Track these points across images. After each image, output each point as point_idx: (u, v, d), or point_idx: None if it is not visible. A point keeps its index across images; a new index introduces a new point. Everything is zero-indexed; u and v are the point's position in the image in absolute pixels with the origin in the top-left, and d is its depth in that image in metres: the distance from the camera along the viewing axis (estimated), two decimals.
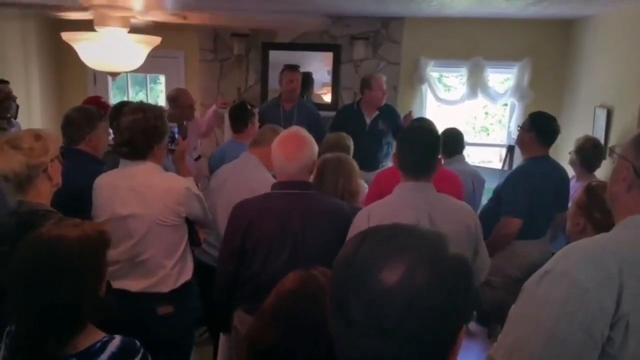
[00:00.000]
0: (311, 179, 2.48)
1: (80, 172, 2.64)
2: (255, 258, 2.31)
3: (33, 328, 1.42)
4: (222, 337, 2.80)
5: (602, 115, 4.33)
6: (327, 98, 5.69)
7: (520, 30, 5.27)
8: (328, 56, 5.59)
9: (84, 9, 3.59)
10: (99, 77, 5.88)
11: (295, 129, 2.45)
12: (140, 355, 1.52)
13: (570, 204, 2.75)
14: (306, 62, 5.47)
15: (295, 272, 1.42)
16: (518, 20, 5.15)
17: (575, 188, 3.39)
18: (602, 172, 3.76)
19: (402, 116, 4.98)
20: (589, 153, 3.59)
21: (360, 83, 4.79)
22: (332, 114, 5.16)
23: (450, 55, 5.44)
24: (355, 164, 2.86)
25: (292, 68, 4.77)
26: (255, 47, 5.65)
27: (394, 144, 4.37)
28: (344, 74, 5.61)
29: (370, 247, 0.85)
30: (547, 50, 5.33)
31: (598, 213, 2.01)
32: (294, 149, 2.31)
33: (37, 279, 1.42)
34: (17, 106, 4.19)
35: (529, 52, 5.28)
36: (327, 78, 5.66)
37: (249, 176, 2.91)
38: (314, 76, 5.62)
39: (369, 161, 4.44)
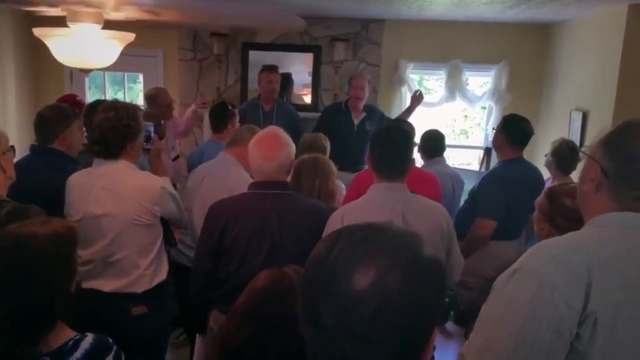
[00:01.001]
0: (288, 179, 2.48)
1: (53, 171, 2.61)
2: (232, 258, 2.29)
3: (4, 328, 1.40)
4: (199, 339, 2.78)
5: (577, 118, 4.40)
6: (307, 99, 5.69)
7: (497, 34, 5.32)
8: (308, 57, 5.59)
9: (56, 4, 3.54)
10: (76, 75, 5.79)
11: (272, 128, 2.44)
12: (113, 353, 1.52)
13: None
14: (286, 63, 5.46)
15: (267, 271, 1.41)
16: (496, 23, 5.20)
17: None
18: (578, 175, 3.80)
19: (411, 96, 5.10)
20: (565, 155, 3.63)
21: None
22: (312, 115, 5.15)
23: (429, 58, 5.48)
24: (332, 164, 2.86)
25: (271, 69, 4.75)
26: (234, 47, 5.63)
27: None
28: (324, 75, 5.61)
29: (343, 249, 0.83)
30: (525, 54, 5.39)
31: (560, 218, 1.98)
32: (271, 148, 2.30)
33: (7, 278, 1.41)
34: None
35: (507, 55, 5.34)
36: (307, 79, 5.65)
37: (226, 176, 2.90)
38: (294, 77, 5.61)
39: (356, 162, 4.40)
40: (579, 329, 1.20)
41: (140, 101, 5.85)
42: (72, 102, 3.67)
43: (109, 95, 6.16)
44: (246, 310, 1.34)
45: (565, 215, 1.93)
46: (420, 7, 4.40)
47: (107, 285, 2.36)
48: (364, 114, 4.68)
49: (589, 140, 4.25)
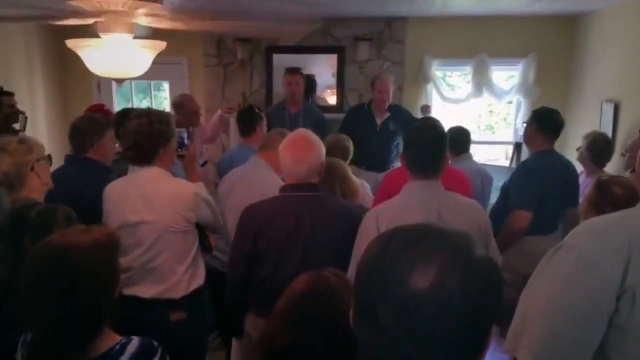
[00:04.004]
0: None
1: (89, 180, 2.65)
2: (266, 261, 2.30)
3: (52, 336, 1.41)
4: (235, 342, 2.79)
5: (609, 110, 4.32)
6: (332, 100, 5.69)
7: (524, 27, 5.25)
8: (332, 58, 5.59)
9: (87, 16, 3.58)
10: (103, 85, 5.89)
11: (301, 131, 2.44)
12: (159, 355, 1.52)
13: (580, 200, 2.74)
14: (310, 65, 5.47)
15: (306, 274, 1.42)
16: (522, 16, 5.13)
17: (586, 184, 3.36)
18: (612, 167, 3.73)
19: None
20: (600, 149, 3.56)
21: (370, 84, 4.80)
22: (338, 116, 5.15)
23: (454, 54, 5.44)
24: (344, 164, 2.87)
25: (292, 71, 4.76)
26: (258, 51, 5.66)
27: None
28: (349, 76, 5.61)
29: (399, 250, 0.82)
30: (552, 46, 5.30)
31: (609, 208, 1.97)
32: (301, 151, 2.29)
33: (53, 289, 1.42)
34: (26, 118, 4.19)
35: (534, 48, 5.26)
36: (332, 80, 5.66)
37: (258, 180, 2.91)
38: (319, 79, 5.61)
39: (379, 162, 4.46)
40: (618, 303, 1.21)
41: (166, 108, 5.91)
42: (101, 112, 3.73)
43: (135, 104, 6.23)
44: (287, 313, 1.35)
45: (614, 204, 1.93)
46: (444, 4, 4.37)
47: (146, 291, 2.38)
48: (387, 114, 4.67)
49: (622, 132, 4.16)
